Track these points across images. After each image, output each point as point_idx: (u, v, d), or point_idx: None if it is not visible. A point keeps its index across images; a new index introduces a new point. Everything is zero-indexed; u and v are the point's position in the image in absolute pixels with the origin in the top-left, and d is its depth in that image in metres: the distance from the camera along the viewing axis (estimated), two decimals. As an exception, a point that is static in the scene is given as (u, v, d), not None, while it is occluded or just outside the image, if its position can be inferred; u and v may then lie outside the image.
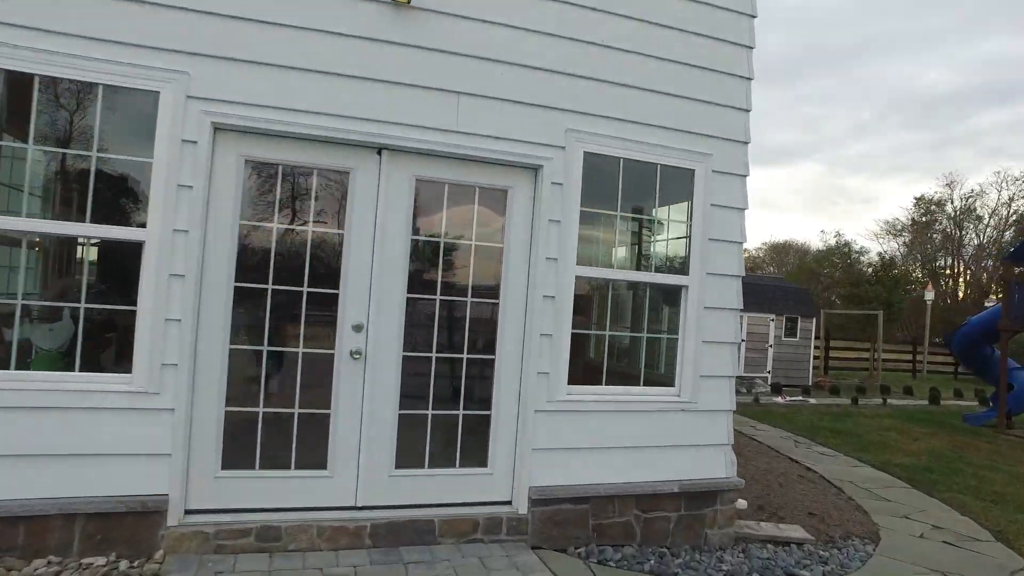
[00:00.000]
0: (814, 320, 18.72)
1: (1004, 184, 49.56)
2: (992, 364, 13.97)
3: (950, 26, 61.23)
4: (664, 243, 5.34)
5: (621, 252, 5.25)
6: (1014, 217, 46.37)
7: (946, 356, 27.62)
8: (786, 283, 18.97)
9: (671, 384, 4.98)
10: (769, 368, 18.03)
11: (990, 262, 47.62)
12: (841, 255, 42.16)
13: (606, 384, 4.87)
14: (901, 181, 77.34)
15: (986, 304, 44.91)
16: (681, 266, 5.09)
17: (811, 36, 68.94)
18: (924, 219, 48.31)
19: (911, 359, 25.38)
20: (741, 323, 17.70)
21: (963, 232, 48.81)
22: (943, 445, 10.46)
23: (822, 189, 76.74)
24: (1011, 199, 46.41)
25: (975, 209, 47.63)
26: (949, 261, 48.39)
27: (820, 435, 10.53)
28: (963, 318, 28.81)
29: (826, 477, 7.56)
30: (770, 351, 18.06)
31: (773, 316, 18.06)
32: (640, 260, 5.43)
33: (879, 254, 38.71)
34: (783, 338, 18.23)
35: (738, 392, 16.82)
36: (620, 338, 5.17)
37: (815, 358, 22.01)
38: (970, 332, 13.77)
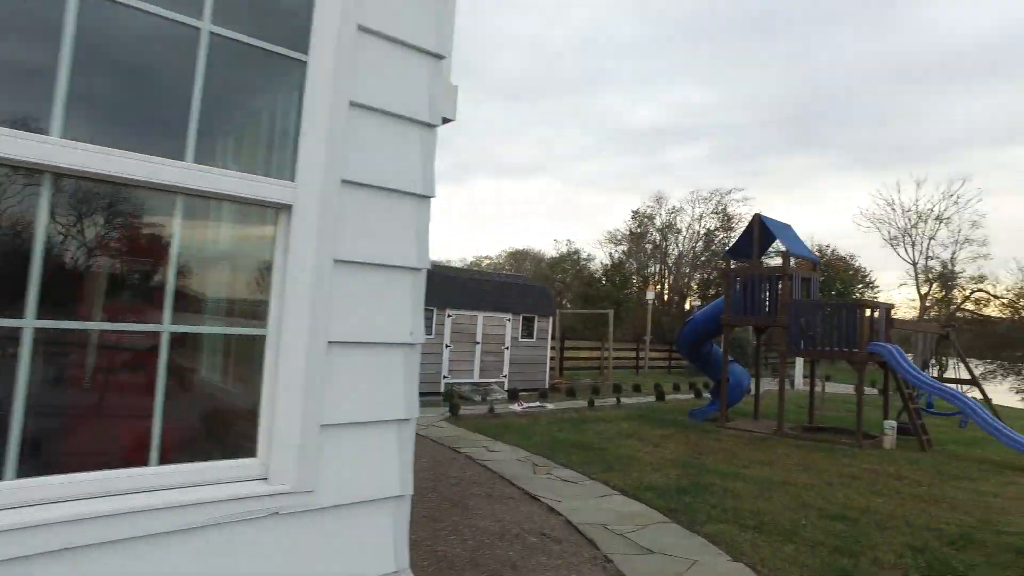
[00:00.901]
0: (551, 320, 17.79)
1: (696, 203, 57.44)
2: (714, 359, 13.95)
3: (659, 70, 70.28)
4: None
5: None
6: (703, 231, 53.74)
7: (663, 351, 29.59)
8: (524, 280, 17.83)
9: (244, 451, 2.17)
10: (506, 372, 16.53)
11: (687, 268, 54.72)
12: (571, 261, 44.67)
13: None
14: (622, 199, 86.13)
15: (688, 306, 50.58)
16: (269, 156, 2.28)
17: (551, 62, 73.54)
18: (639, 230, 53.97)
19: (635, 355, 26.47)
20: (476, 323, 15.94)
21: (667, 243, 55.80)
22: (683, 451, 9.42)
23: (558, 202, 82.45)
24: (701, 216, 53.99)
25: (675, 223, 54.76)
26: (658, 267, 54.62)
27: (561, 453, 8.79)
28: (670, 318, 30.95)
29: (575, 524, 5.53)
30: (507, 354, 16.57)
31: (510, 316, 16.63)
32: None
33: (610, 254, 41.49)
34: (520, 339, 16.90)
35: (473, 401, 14.74)
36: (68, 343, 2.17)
37: (551, 359, 21.42)
38: (695, 328, 13.55)
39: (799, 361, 23.60)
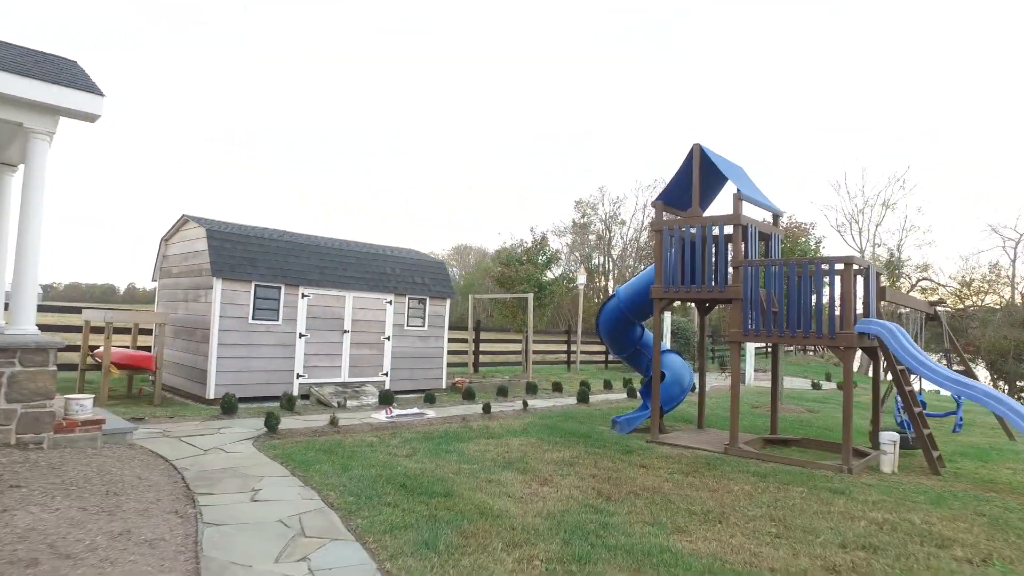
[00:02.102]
0: (448, 303, 14.22)
1: (640, 191, 54.93)
2: (644, 348, 10.65)
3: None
4: None
5: None
6: (647, 220, 51.23)
7: (599, 345, 26.39)
8: (411, 254, 14.19)
9: None
10: (387, 369, 12.88)
11: (632, 261, 52.07)
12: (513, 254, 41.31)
13: None
14: (566, 191, 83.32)
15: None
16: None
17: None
18: (583, 220, 50.92)
19: (566, 350, 23.19)
20: (344, 306, 12.21)
21: (611, 234, 53.11)
22: (585, 493, 6.03)
23: (503, 196, 79.49)
24: (644, 205, 51.46)
25: (619, 214, 52.22)
26: (602, 260, 51.65)
27: (378, 500, 5.28)
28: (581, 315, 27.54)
29: None
30: (388, 345, 12.92)
31: (392, 297, 12.98)
32: None
33: (530, 228, 38.26)
34: (407, 327, 13.27)
35: (328, 408, 10.07)
36: None
37: (454, 352, 17.87)
38: (617, 305, 10.21)
39: (749, 349, 20.68)
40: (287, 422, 8.96)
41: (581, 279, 21.95)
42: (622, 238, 53.41)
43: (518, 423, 10.21)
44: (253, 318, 10.84)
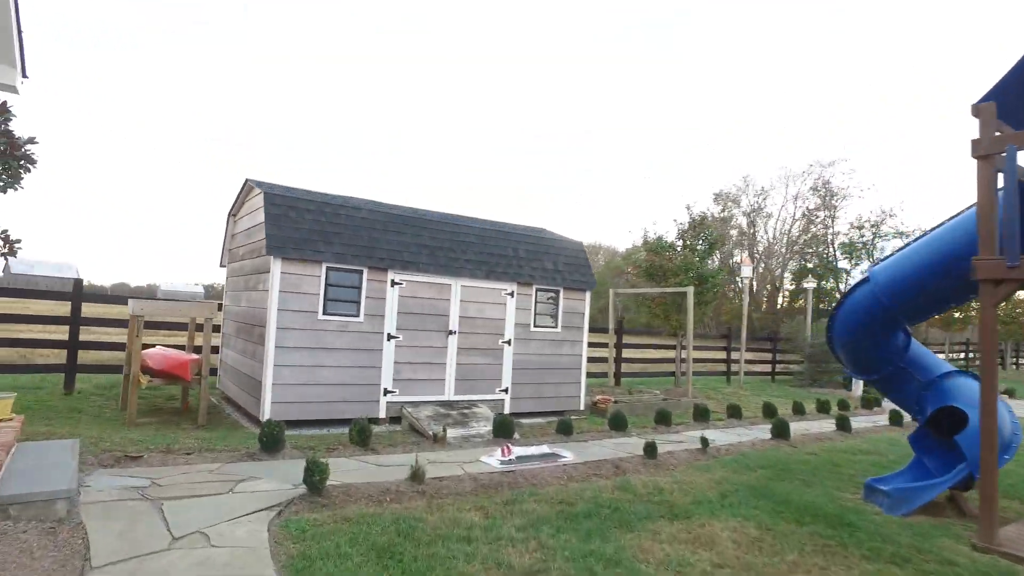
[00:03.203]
0: (588, 296, 10.68)
1: (789, 180, 48.39)
2: (912, 367, 6.49)
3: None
4: None
5: None
6: (800, 213, 44.91)
7: (763, 352, 21.74)
8: (538, 232, 10.78)
9: None
10: (506, 384, 9.57)
11: (779, 259, 45.89)
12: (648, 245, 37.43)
13: None
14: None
15: (781, 301, 41.94)
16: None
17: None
18: (723, 214, 45.55)
19: (724, 358, 18.86)
20: (450, 298, 8.93)
21: (755, 229, 47.29)
22: None
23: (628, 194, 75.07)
24: (796, 196, 45.01)
25: (764, 207, 46.38)
26: (743, 256, 45.97)
27: None
28: (760, 314, 22.44)
29: None
30: (508, 352, 9.61)
31: (514, 287, 9.67)
32: None
33: (687, 207, 33.58)
34: (534, 327, 9.90)
35: (422, 436, 4.94)
36: None
37: (595, 360, 14.24)
38: (874, 297, 6.14)
39: None
40: (349, 468, 5.85)
41: (746, 271, 17.55)
42: (767, 232, 47.49)
43: (705, 480, 6.45)
44: (324, 312, 7.92)
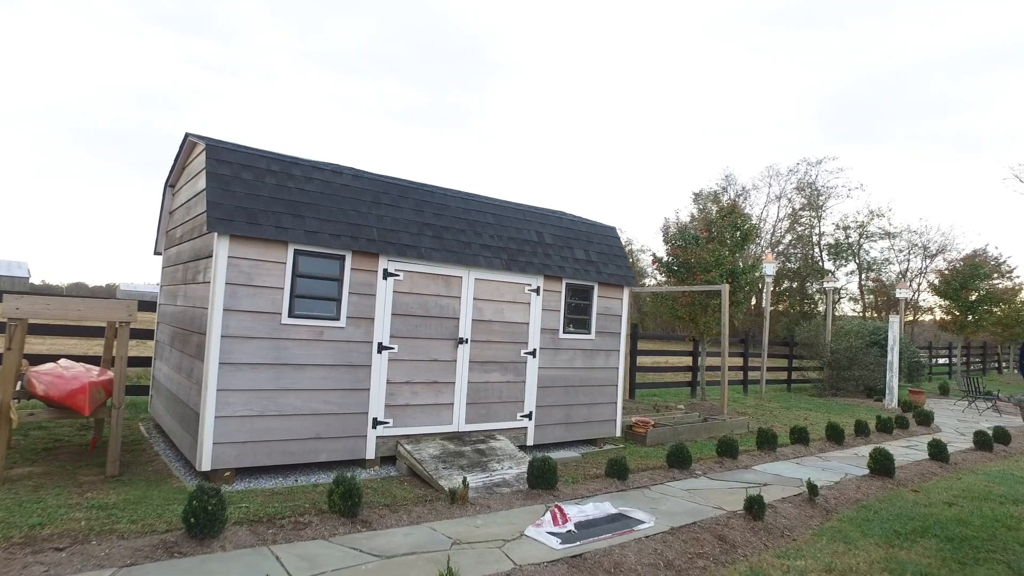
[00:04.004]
0: (626, 294, 8.56)
1: (773, 179, 47.06)
2: None
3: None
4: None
5: None
6: (785, 214, 43.74)
7: (776, 359, 19.91)
8: (567, 216, 8.60)
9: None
10: (530, 407, 7.38)
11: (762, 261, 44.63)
12: (671, 238, 35.53)
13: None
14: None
15: (765, 304, 40.44)
16: None
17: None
18: (702, 215, 44.12)
19: (741, 365, 16.94)
20: (460, 294, 6.76)
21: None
22: None
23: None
24: (780, 195, 43.78)
25: (745, 207, 45.22)
26: (767, 252, 44.45)
27: None
28: (745, 316, 20.78)
29: None
30: (532, 365, 7.41)
31: (540, 282, 7.48)
32: None
33: (715, 194, 31.88)
34: (563, 334, 7.73)
35: (428, 485, 4.80)
36: None
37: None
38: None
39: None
40: (327, 567, 3.59)
41: (769, 268, 15.65)
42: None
43: (862, 563, 4.34)
44: (291, 314, 5.62)
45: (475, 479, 5.75)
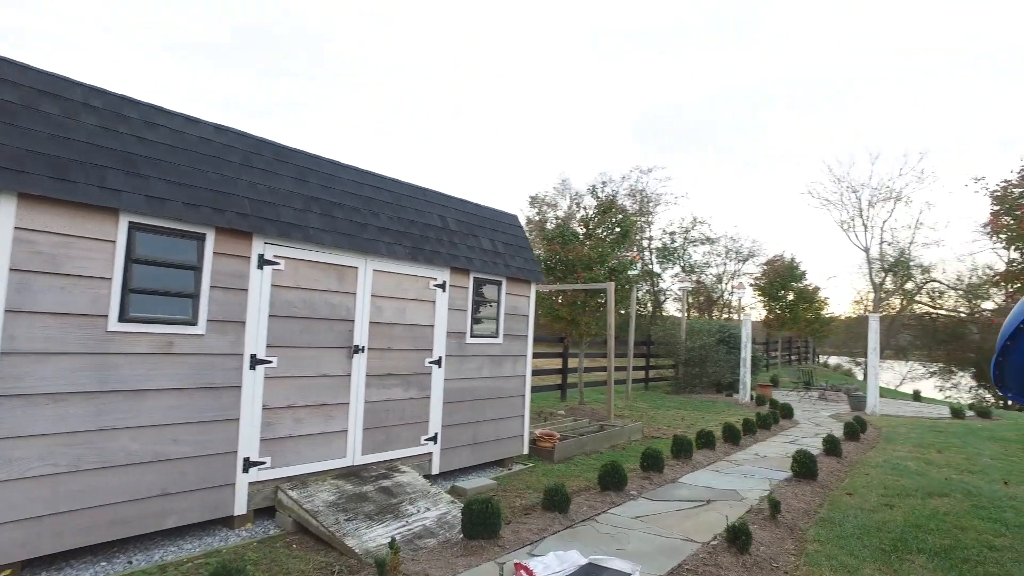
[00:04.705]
0: (533, 291, 7.55)
1: (605, 185, 49.17)
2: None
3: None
4: None
5: None
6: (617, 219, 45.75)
7: (637, 358, 20.10)
8: (468, 201, 7.37)
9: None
10: (435, 428, 6.07)
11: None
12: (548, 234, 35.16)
13: None
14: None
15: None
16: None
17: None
18: (539, 218, 45.03)
19: (606, 365, 16.76)
20: (357, 290, 5.19)
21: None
22: None
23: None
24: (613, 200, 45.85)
25: (578, 212, 46.83)
26: (633, 251, 45.76)
27: None
28: (634, 321, 21.42)
29: None
30: (437, 376, 6.11)
31: (446, 276, 6.20)
32: None
33: (590, 189, 31.72)
34: (471, 337, 6.52)
35: (326, 545, 3.73)
36: None
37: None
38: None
39: (872, 362, 14.79)
40: None
41: (635, 268, 15.59)
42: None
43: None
44: (123, 317, 3.84)
45: (393, 532, 4.36)
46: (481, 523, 4.35)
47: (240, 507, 4.43)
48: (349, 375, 5.25)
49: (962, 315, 36.44)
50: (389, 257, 5.54)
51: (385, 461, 5.55)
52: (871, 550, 4.62)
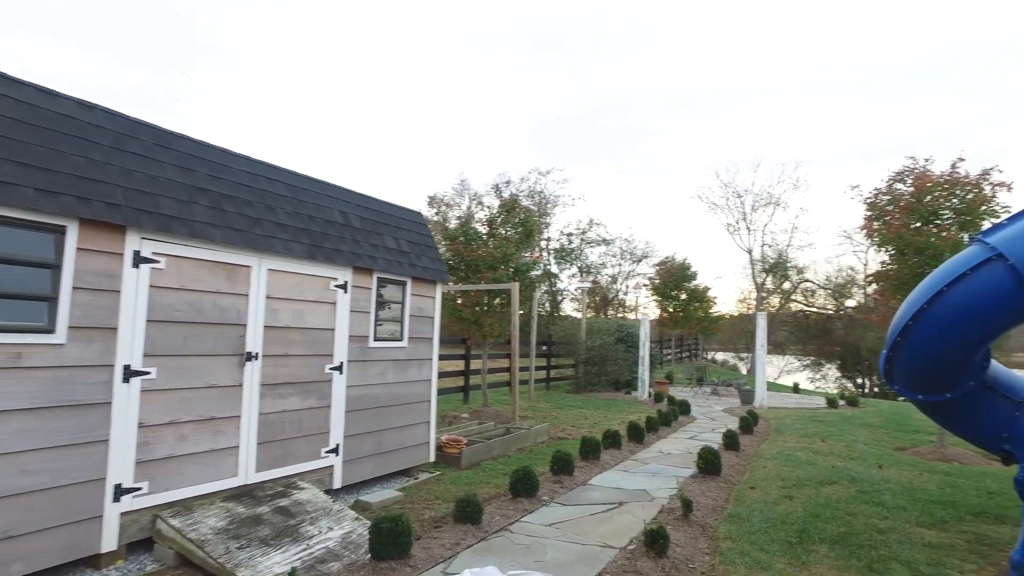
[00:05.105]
0: (439, 292, 7.26)
1: (504, 187, 49.68)
2: (1004, 388, 4.74)
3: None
4: None
5: None
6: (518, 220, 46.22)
7: (537, 358, 20.20)
8: (371, 197, 6.96)
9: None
10: (337, 439, 5.66)
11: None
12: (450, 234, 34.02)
13: None
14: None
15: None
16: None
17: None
18: (438, 218, 44.71)
19: (508, 366, 16.68)
20: (250, 291, 4.65)
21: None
22: None
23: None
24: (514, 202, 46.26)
25: (476, 213, 47.06)
26: (533, 251, 45.69)
27: None
28: (536, 321, 21.64)
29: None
30: (339, 383, 5.70)
31: (348, 276, 5.80)
32: None
33: (493, 188, 31.24)
34: (374, 341, 6.15)
35: None
36: None
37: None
38: (1015, 283, 4.10)
39: (759, 356, 15.68)
40: None
41: (537, 268, 15.65)
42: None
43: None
44: (-42, 325, 3.20)
45: (293, 558, 3.96)
46: (391, 542, 4.03)
47: (109, 542, 3.85)
48: (241, 385, 4.75)
49: (830, 312, 39.66)
50: (286, 255, 5.09)
51: (282, 478, 5.09)
52: (779, 543, 4.73)
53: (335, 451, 5.64)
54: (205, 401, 4.47)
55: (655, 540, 4.32)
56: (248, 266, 4.80)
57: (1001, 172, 8.72)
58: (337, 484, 5.65)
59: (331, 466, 5.61)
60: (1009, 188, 8.62)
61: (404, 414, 6.57)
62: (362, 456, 5.96)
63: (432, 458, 7.08)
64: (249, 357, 4.81)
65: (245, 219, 4.78)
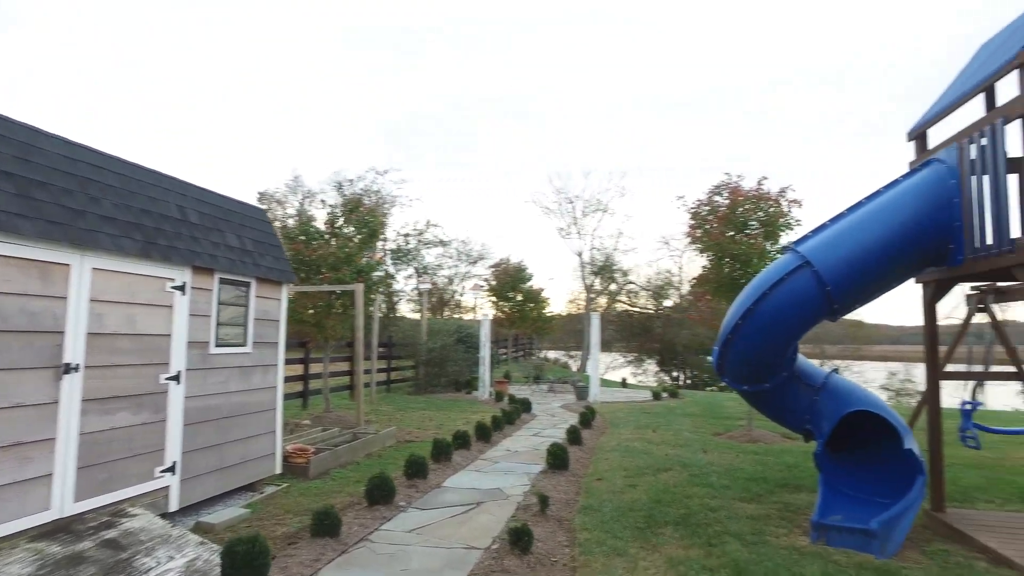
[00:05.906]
0: (285, 293, 6.84)
1: (341, 186, 48.22)
2: (811, 378, 5.50)
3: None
4: None
5: None
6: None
7: (377, 360, 19.75)
8: (210, 191, 6.35)
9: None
10: (174, 457, 5.12)
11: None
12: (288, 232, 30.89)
13: None
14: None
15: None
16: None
17: None
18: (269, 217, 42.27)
19: (349, 370, 16.15)
20: (66, 289, 3.98)
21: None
22: None
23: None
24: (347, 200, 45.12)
25: (310, 210, 45.24)
26: (375, 252, 43.66)
27: None
28: (378, 323, 21.35)
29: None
30: (175, 395, 5.17)
31: (187, 276, 5.28)
32: None
33: (335, 185, 29.16)
34: (216, 347, 5.64)
35: None
36: None
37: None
38: (825, 285, 4.75)
39: (593, 355, 16.65)
40: None
41: (379, 269, 15.34)
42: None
43: (657, 569, 4.05)
44: None
45: (130, 595, 3.52)
46: (246, 565, 3.73)
47: None
48: (57, 402, 4.12)
49: (650, 312, 43.17)
50: (115, 252, 4.50)
51: (109, 505, 4.50)
52: (630, 529, 5.08)
53: (171, 470, 5.10)
54: (10, 424, 3.82)
55: (519, 538, 4.44)
56: (67, 264, 4.18)
57: (794, 191, 10.09)
58: (174, 506, 5.11)
59: (167, 487, 5.06)
60: (800, 204, 10.00)
61: (248, 425, 6.11)
62: (203, 473, 5.45)
63: (279, 470, 6.66)
64: (68, 369, 4.19)
65: (64, 210, 4.16)
